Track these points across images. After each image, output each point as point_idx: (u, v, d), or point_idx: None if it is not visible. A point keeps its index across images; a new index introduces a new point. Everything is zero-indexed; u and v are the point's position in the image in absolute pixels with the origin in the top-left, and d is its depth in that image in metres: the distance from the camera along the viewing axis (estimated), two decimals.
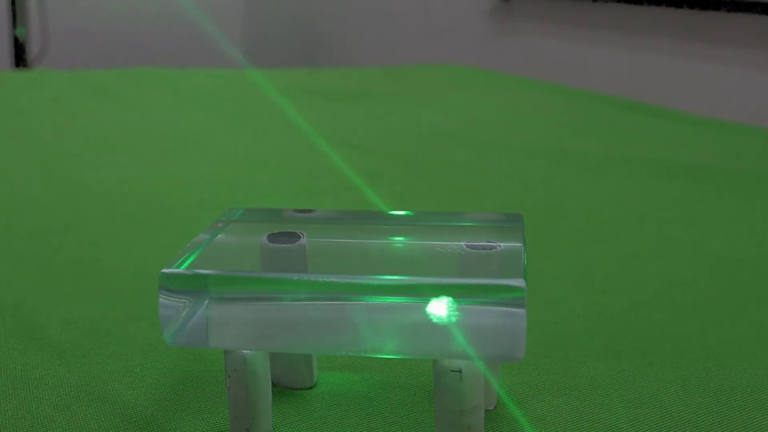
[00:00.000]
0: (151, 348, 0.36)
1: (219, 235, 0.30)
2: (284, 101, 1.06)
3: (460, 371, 0.26)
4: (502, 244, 0.29)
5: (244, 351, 0.27)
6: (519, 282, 0.25)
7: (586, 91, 1.19)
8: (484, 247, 0.28)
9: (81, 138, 0.82)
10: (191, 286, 0.26)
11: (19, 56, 2.29)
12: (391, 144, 0.80)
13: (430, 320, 0.26)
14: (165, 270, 0.27)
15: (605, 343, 0.37)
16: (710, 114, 1.31)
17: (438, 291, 0.25)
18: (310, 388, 0.33)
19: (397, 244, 0.29)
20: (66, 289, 0.43)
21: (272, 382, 0.32)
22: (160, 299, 0.27)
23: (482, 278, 0.25)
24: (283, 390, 0.32)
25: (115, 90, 1.13)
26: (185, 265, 0.27)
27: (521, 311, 0.25)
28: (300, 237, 0.30)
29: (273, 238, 0.29)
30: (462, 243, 0.29)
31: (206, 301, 0.26)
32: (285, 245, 0.29)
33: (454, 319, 0.25)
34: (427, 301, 0.25)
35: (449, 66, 1.46)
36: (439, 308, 0.25)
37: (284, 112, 0.99)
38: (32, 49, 2.56)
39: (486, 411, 0.31)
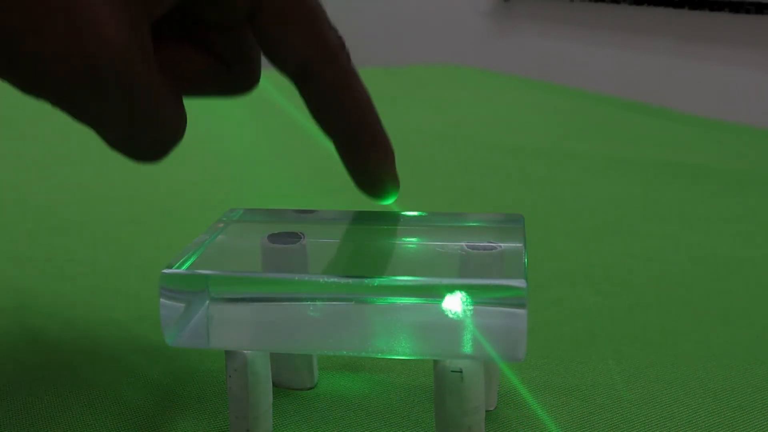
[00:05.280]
0: (152, 348, 0.36)
1: (219, 236, 0.30)
2: (284, 101, 1.06)
3: (461, 372, 0.26)
4: (502, 244, 0.29)
5: (245, 351, 0.27)
6: (520, 282, 0.25)
7: (586, 91, 1.19)
8: (484, 248, 0.28)
9: (81, 138, 0.82)
10: (192, 287, 0.26)
11: None
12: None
13: (433, 320, 0.26)
14: (165, 270, 0.27)
15: (606, 344, 0.37)
16: (710, 114, 1.31)
17: (439, 291, 0.25)
18: (311, 388, 0.33)
19: (398, 245, 0.29)
20: (66, 289, 0.43)
21: (273, 383, 0.32)
22: (161, 300, 0.27)
23: (483, 278, 0.25)
24: (283, 390, 0.32)
25: None
26: (186, 265, 0.27)
27: (522, 311, 0.25)
28: (301, 237, 0.30)
29: (274, 238, 0.29)
30: (462, 243, 0.29)
31: (207, 302, 0.26)
32: (286, 245, 0.29)
33: (465, 316, 0.25)
34: (429, 301, 0.25)
35: (449, 66, 1.46)
36: (453, 305, 0.25)
37: (284, 112, 0.99)
38: None
39: (486, 411, 0.31)
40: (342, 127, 0.29)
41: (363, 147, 0.29)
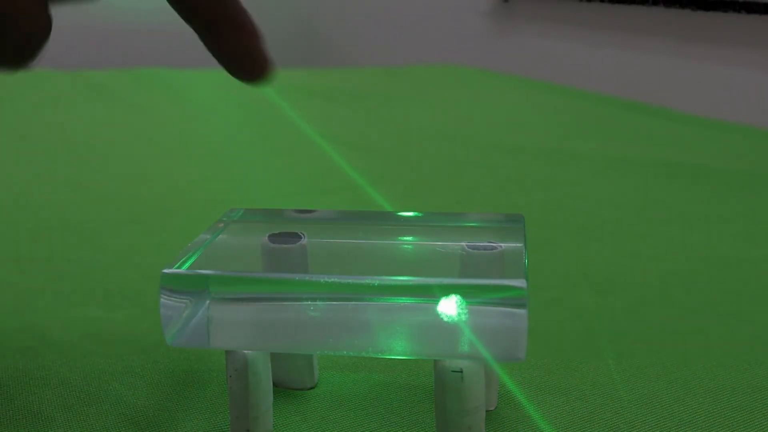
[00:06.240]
0: (152, 348, 0.36)
1: (220, 236, 0.30)
2: (284, 102, 1.06)
3: (461, 371, 0.26)
4: (503, 244, 0.29)
5: (246, 351, 0.27)
6: (520, 282, 0.25)
7: (586, 91, 1.19)
8: (485, 248, 0.28)
9: (81, 138, 0.82)
10: (192, 287, 0.26)
11: None
12: (391, 144, 0.80)
13: (433, 320, 0.26)
14: (166, 270, 0.27)
15: (606, 344, 0.37)
16: (710, 114, 1.31)
17: (439, 291, 0.25)
18: (311, 388, 0.33)
19: (398, 245, 0.29)
20: (66, 289, 0.43)
21: (273, 383, 0.32)
22: (161, 299, 0.27)
23: (483, 278, 0.25)
24: (284, 390, 0.32)
25: (115, 90, 1.13)
26: (186, 265, 0.27)
27: (522, 311, 0.25)
28: (301, 237, 0.30)
29: (274, 238, 0.29)
30: (463, 243, 0.29)
31: (207, 302, 0.26)
32: (286, 245, 0.29)
33: (463, 317, 0.25)
34: (429, 301, 0.25)
35: (449, 66, 1.46)
36: (449, 307, 0.25)
37: (284, 112, 0.99)
38: None
39: (486, 411, 0.31)
40: (205, 13, 0.28)
41: (229, 29, 0.28)
